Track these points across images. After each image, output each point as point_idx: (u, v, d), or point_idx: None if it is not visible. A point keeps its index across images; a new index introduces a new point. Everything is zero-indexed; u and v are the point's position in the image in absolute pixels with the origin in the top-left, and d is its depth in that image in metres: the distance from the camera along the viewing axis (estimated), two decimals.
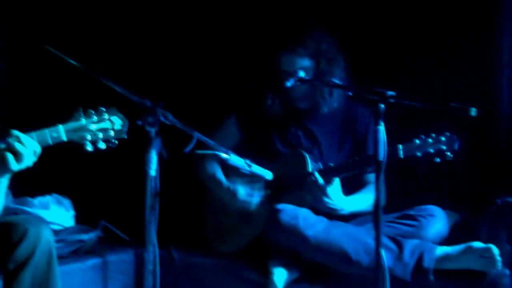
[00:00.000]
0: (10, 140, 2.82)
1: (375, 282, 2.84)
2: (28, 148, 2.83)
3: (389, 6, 4.11)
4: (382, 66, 4.09)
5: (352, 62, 3.82)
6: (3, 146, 2.83)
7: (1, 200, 2.98)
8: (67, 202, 4.16)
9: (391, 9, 4.11)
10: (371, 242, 2.94)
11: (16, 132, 2.85)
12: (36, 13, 4.41)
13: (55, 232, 3.85)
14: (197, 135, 2.90)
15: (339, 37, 3.82)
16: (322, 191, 3.52)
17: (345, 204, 3.61)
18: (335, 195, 3.56)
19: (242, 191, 3.74)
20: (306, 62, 3.69)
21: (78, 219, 4.11)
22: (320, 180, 3.51)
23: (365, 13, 4.15)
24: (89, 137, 2.93)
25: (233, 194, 3.76)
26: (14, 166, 2.83)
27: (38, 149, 2.86)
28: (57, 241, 3.77)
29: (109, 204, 4.29)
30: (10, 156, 2.82)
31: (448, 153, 3.32)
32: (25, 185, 4.04)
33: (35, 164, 2.90)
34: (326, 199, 3.54)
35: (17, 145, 2.82)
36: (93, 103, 3.07)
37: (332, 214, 3.60)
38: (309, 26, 3.77)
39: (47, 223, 3.07)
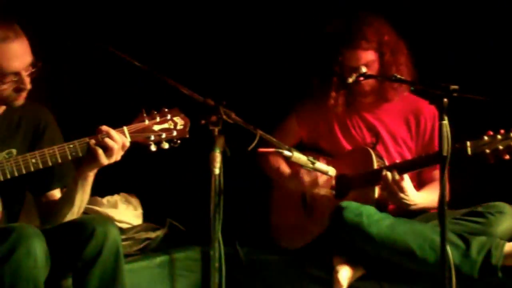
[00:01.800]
0: (100, 135, 2.94)
1: (441, 280, 2.80)
2: (118, 142, 2.94)
3: None
4: (444, 57, 4.01)
5: (413, 54, 3.76)
6: (93, 141, 2.92)
7: (88, 193, 3.08)
8: (135, 200, 4.22)
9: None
10: (437, 239, 2.89)
11: (105, 128, 2.96)
12: (99, 14, 4.48)
13: (123, 231, 3.94)
14: (260, 133, 2.91)
15: (399, 28, 3.76)
16: (398, 186, 3.49)
17: (419, 199, 3.56)
18: (408, 191, 3.52)
19: (307, 175, 3.73)
20: (370, 55, 3.65)
21: (145, 217, 4.17)
22: (395, 175, 3.48)
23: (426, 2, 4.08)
24: (152, 137, 3.01)
25: (297, 176, 3.74)
26: (104, 160, 2.96)
27: (127, 143, 2.97)
28: (125, 239, 3.85)
29: (175, 202, 4.33)
30: (100, 151, 2.93)
31: None
32: (94, 184, 4.14)
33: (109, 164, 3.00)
34: (401, 194, 3.51)
35: (107, 140, 2.94)
36: (156, 103, 3.12)
37: (400, 210, 3.58)
38: (368, 18, 3.72)
39: (114, 222, 3.13)
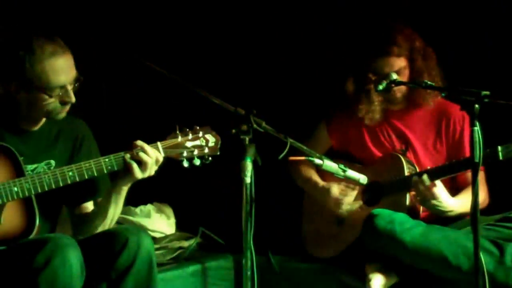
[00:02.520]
0: (135, 150, 3.01)
1: (475, 287, 2.79)
2: (152, 157, 3.01)
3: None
4: (474, 63, 3.99)
5: (442, 59, 3.75)
6: (128, 155, 2.97)
7: (121, 206, 3.14)
8: (168, 210, 4.25)
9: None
10: (470, 246, 2.87)
11: (140, 142, 3.04)
12: (130, 28, 4.53)
13: (157, 240, 3.97)
14: (290, 141, 2.92)
15: (428, 34, 3.75)
16: (430, 193, 3.47)
17: (454, 205, 3.54)
18: (442, 196, 3.50)
19: (335, 189, 3.73)
20: (402, 62, 3.64)
21: (178, 226, 4.20)
22: (426, 182, 3.46)
23: (453, 8, 4.07)
24: (185, 153, 3.09)
25: (327, 191, 3.75)
26: (139, 174, 3.04)
27: (161, 158, 3.04)
28: (159, 249, 3.88)
29: (208, 211, 4.35)
30: (135, 165, 3.00)
31: None
32: (128, 194, 4.17)
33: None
34: (434, 201, 3.49)
35: (142, 155, 3.01)
36: (188, 114, 3.16)
37: (434, 217, 3.56)
38: (398, 24, 3.71)
39: (147, 231, 3.17)
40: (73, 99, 3.07)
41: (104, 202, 3.15)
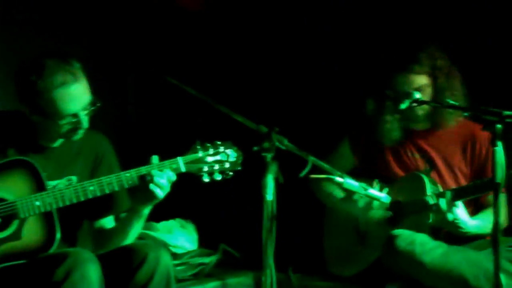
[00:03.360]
0: (153, 172, 3.00)
1: None
2: (166, 179, 3.01)
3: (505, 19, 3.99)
4: (499, 82, 3.97)
5: (467, 78, 3.73)
6: (148, 178, 2.98)
7: (141, 226, 3.17)
8: (190, 226, 4.26)
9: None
10: (491, 267, 2.83)
11: (155, 164, 3.02)
12: (153, 44, 4.58)
13: (178, 256, 3.99)
14: (312, 159, 2.91)
15: (452, 52, 3.73)
16: (452, 213, 3.44)
17: (472, 226, 3.51)
18: (462, 217, 3.47)
19: (361, 201, 3.69)
20: (423, 80, 3.62)
21: (200, 242, 4.21)
22: (449, 202, 3.44)
23: (478, 27, 4.05)
24: (206, 168, 3.08)
25: (351, 201, 3.68)
26: (160, 196, 3.02)
27: (173, 178, 3.03)
28: (180, 264, 3.89)
29: (229, 227, 4.36)
30: (156, 189, 2.99)
31: None
32: (151, 210, 4.20)
33: None
34: (454, 221, 3.46)
35: (157, 180, 2.99)
36: (210, 131, 3.16)
37: (454, 237, 3.53)
38: (421, 42, 3.70)
39: (167, 247, 3.17)
40: (85, 126, 3.08)
41: (125, 223, 3.17)
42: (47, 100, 3.00)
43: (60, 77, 2.99)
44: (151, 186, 2.98)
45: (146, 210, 3.13)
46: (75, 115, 3.04)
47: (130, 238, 3.16)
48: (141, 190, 3.02)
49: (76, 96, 3.02)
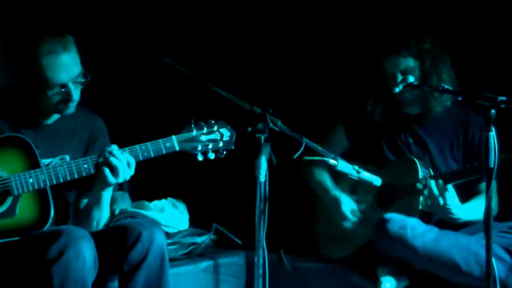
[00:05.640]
0: (105, 155, 2.98)
1: None
2: (122, 161, 2.98)
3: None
4: (491, 67, 3.97)
5: (458, 63, 3.74)
6: (101, 160, 2.97)
7: (107, 210, 3.13)
8: (182, 205, 4.26)
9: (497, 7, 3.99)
10: (482, 252, 2.86)
11: (110, 148, 3.00)
12: (147, 25, 4.56)
13: (170, 235, 3.99)
14: (306, 140, 2.92)
15: (442, 37, 3.74)
16: (443, 198, 3.47)
17: (463, 212, 3.53)
18: (453, 202, 3.50)
19: (346, 206, 3.74)
20: (410, 62, 3.63)
21: (192, 222, 4.21)
22: (439, 185, 3.46)
23: (468, 12, 4.05)
24: (199, 147, 3.07)
25: (337, 204, 3.76)
26: (111, 179, 2.99)
27: (133, 162, 3.00)
28: (172, 244, 3.89)
29: (221, 208, 4.36)
30: (107, 171, 2.97)
31: None
32: (143, 189, 4.19)
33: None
34: (445, 206, 3.48)
35: (112, 160, 2.98)
36: (204, 111, 3.16)
37: (447, 222, 3.55)
38: (410, 26, 3.71)
39: (160, 226, 3.17)
40: (74, 97, 3.06)
41: (87, 205, 3.14)
42: (36, 68, 2.98)
43: (50, 45, 2.99)
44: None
45: (104, 193, 3.08)
46: (64, 85, 3.02)
47: (95, 219, 3.12)
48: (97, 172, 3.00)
49: (65, 65, 3.01)
